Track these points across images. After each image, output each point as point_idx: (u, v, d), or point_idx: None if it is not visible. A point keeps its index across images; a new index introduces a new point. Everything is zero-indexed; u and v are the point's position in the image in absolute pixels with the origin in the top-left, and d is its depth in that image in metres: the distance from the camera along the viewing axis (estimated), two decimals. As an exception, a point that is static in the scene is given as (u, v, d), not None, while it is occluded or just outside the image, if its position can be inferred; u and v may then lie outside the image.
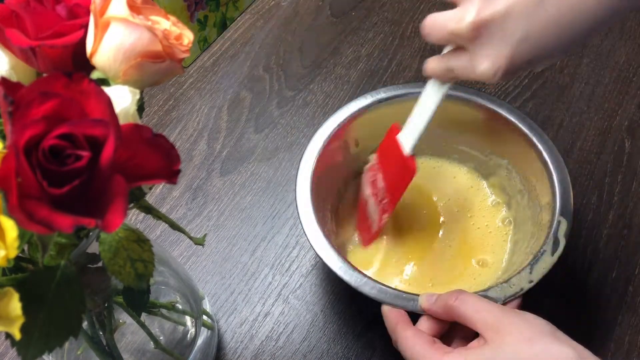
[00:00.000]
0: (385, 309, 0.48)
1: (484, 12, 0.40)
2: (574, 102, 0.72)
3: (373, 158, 0.58)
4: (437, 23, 0.44)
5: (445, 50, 0.47)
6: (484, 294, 0.47)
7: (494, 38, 0.41)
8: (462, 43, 0.43)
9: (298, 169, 0.55)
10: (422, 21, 0.45)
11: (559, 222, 0.51)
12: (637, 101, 0.72)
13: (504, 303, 0.47)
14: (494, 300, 0.47)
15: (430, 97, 0.50)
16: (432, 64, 0.48)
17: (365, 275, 0.49)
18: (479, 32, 0.41)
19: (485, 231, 0.59)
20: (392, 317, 0.47)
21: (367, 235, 0.58)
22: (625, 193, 0.65)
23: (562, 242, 0.50)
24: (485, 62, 0.42)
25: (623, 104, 0.71)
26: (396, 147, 0.53)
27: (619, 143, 0.68)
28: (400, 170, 0.53)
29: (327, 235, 0.52)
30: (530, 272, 0.49)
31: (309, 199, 0.53)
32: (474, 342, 0.43)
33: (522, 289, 0.48)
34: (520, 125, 0.56)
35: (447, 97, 0.58)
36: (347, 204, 0.61)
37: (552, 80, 0.74)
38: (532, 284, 0.48)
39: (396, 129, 0.54)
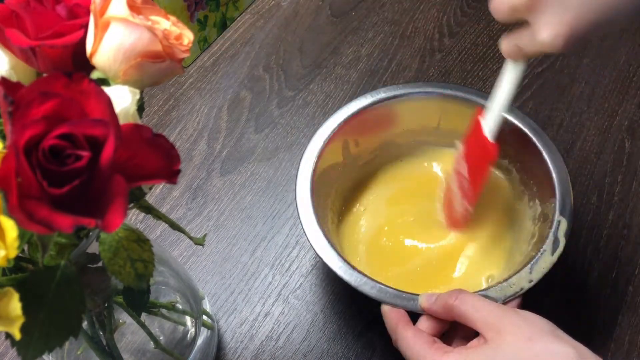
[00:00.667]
0: (385, 308, 0.48)
1: None
2: (574, 102, 0.72)
3: (459, 145, 0.57)
4: (498, 2, 0.45)
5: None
6: (484, 294, 0.47)
7: (551, 5, 0.41)
8: (523, 16, 0.44)
9: (298, 168, 0.55)
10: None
11: (559, 222, 0.51)
12: (637, 101, 0.72)
13: (504, 303, 0.47)
14: (494, 299, 0.47)
15: (506, 78, 0.50)
16: (503, 45, 0.48)
17: (365, 275, 0.49)
18: (536, 1, 0.41)
19: (485, 230, 0.59)
20: (392, 316, 0.47)
21: (451, 220, 0.59)
22: (625, 193, 0.65)
23: (562, 242, 0.50)
24: (545, 31, 0.42)
25: (623, 104, 0.71)
26: (479, 130, 0.53)
27: (619, 143, 0.68)
28: (481, 154, 0.53)
29: (327, 235, 0.52)
30: (530, 272, 0.49)
31: (309, 199, 0.53)
32: (474, 342, 0.43)
33: (522, 289, 0.48)
34: (520, 125, 0.56)
35: (447, 97, 0.59)
36: (348, 204, 0.61)
37: (552, 80, 0.74)
38: (532, 284, 0.48)
39: (480, 112, 0.53)
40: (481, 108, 0.53)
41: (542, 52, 0.44)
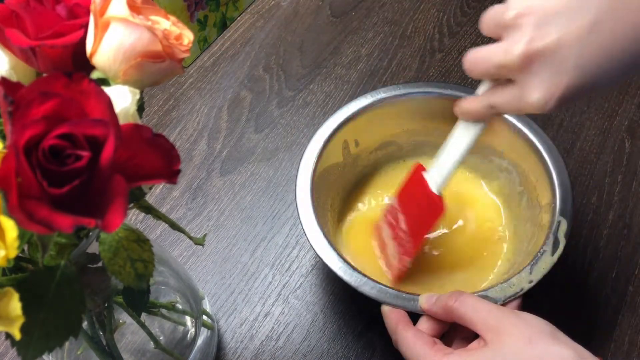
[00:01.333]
0: (385, 309, 0.48)
1: (536, 42, 0.39)
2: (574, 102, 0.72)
3: (392, 200, 0.56)
4: (480, 57, 0.43)
5: (481, 89, 0.46)
6: (483, 294, 0.47)
7: (545, 67, 0.40)
8: (511, 75, 0.42)
9: (298, 169, 0.55)
10: (464, 57, 0.44)
11: (559, 222, 0.51)
12: (637, 101, 0.72)
13: (504, 303, 0.47)
14: (494, 300, 0.47)
15: (462, 137, 0.49)
16: (469, 105, 0.47)
17: (365, 275, 0.49)
18: (531, 62, 0.40)
19: (485, 231, 0.59)
20: (393, 317, 0.47)
21: (393, 273, 0.57)
22: (625, 193, 0.65)
23: (562, 242, 0.50)
24: (537, 92, 0.41)
25: (623, 104, 0.71)
26: (423, 185, 0.52)
27: (619, 143, 0.68)
28: (427, 209, 0.52)
29: (327, 235, 0.52)
30: (530, 272, 0.49)
31: (309, 199, 0.53)
32: (474, 344, 0.43)
33: (522, 289, 0.48)
34: (520, 126, 0.56)
35: (447, 97, 0.59)
36: (348, 204, 0.61)
37: (552, 80, 0.74)
38: (532, 284, 0.48)
39: (421, 168, 0.53)
40: (420, 165, 0.53)
41: (522, 112, 0.43)
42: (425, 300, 0.47)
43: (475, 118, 0.48)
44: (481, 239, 0.59)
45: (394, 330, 0.46)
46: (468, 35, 0.79)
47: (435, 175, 0.51)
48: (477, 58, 0.44)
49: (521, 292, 0.48)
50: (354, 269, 0.49)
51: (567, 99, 0.41)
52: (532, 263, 0.49)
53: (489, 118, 0.47)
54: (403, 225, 0.54)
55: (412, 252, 0.54)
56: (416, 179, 0.53)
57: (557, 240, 0.50)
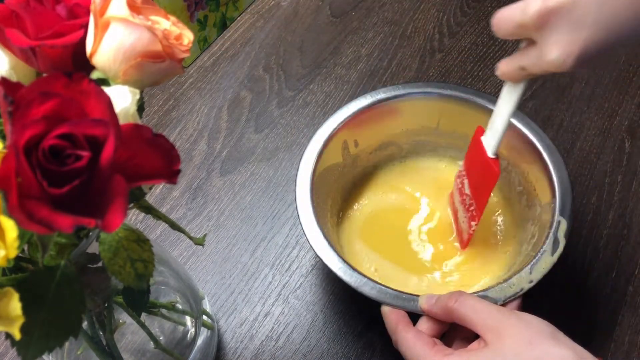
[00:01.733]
0: (385, 309, 0.48)
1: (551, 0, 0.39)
2: (574, 102, 0.72)
3: (460, 165, 0.57)
4: (503, 17, 0.43)
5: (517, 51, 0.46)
6: (483, 295, 0.47)
7: (562, 24, 0.39)
8: (530, 34, 0.42)
9: (298, 169, 0.55)
10: (492, 17, 0.44)
11: (558, 222, 0.51)
12: (637, 101, 0.72)
13: (504, 303, 0.47)
14: (493, 300, 0.47)
15: (506, 99, 0.49)
16: (503, 67, 0.47)
17: (364, 276, 0.49)
18: (547, 19, 0.40)
19: (484, 230, 0.59)
20: (393, 318, 0.47)
21: (461, 239, 0.58)
22: (625, 193, 0.65)
23: (562, 242, 0.50)
24: (555, 50, 0.40)
25: (623, 104, 0.71)
26: (480, 149, 0.53)
27: (619, 143, 0.68)
28: (485, 173, 0.53)
29: (327, 236, 0.51)
30: (530, 272, 0.49)
31: (309, 199, 0.53)
32: (475, 344, 0.43)
33: (522, 289, 0.48)
34: (520, 126, 0.56)
35: (446, 97, 0.59)
36: (348, 204, 0.61)
37: (552, 80, 0.74)
38: (532, 284, 0.48)
39: (481, 130, 0.53)
40: (481, 128, 0.53)
41: (548, 72, 0.43)
42: (425, 300, 0.47)
43: (511, 80, 0.48)
44: (481, 238, 0.59)
45: (394, 330, 0.46)
46: (468, 35, 0.79)
47: (490, 139, 0.52)
48: (500, 19, 0.43)
49: (521, 292, 0.48)
50: (354, 269, 0.49)
51: (586, 57, 0.40)
52: (532, 263, 0.49)
53: (525, 79, 0.47)
54: (467, 189, 0.55)
55: (477, 216, 0.54)
56: (475, 144, 0.54)
57: (557, 240, 0.50)
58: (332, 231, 0.57)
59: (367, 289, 0.48)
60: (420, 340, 0.44)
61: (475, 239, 0.58)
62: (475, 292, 0.48)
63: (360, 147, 0.61)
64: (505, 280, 0.49)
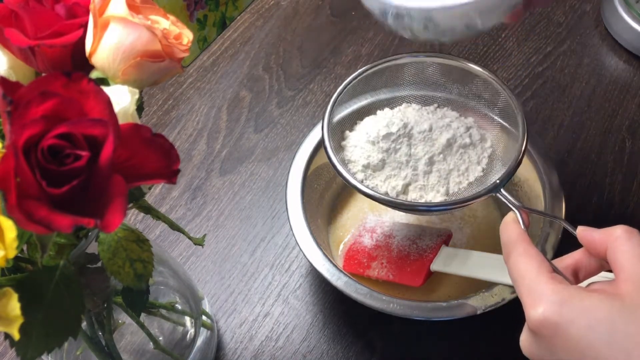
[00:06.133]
0: (508, 218, 0.41)
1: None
2: (574, 102, 0.72)
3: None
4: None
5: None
6: (463, 302, 0.48)
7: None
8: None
9: (290, 167, 0.55)
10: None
11: (547, 234, 0.51)
12: (638, 101, 0.72)
13: (484, 312, 0.47)
14: (474, 308, 0.47)
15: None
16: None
17: (358, 282, 0.50)
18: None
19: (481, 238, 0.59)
20: (515, 228, 0.40)
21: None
22: (625, 193, 0.65)
23: (549, 255, 0.50)
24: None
25: (624, 104, 0.71)
26: (428, 259, 0.55)
27: (619, 143, 0.68)
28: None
29: (319, 242, 0.53)
30: None
31: (299, 204, 0.54)
32: (604, 285, 0.35)
33: (503, 299, 0.48)
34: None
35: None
36: (340, 203, 0.61)
37: (552, 80, 0.74)
38: (515, 295, 0.48)
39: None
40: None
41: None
42: (583, 228, 0.40)
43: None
44: (477, 245, 0.58)
45: (513, 242, 0.38)
46: (468, 35, 0.79)
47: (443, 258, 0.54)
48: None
49: (502, 302, 0.48)
50: (347, 275, 0.50)
51: None
52: None
53: None
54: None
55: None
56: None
57: (545, 252, 0.50)
58: (323, 233, 0.57)
59: (359, 296, 0.49)
60: (536, 261, 0.36)
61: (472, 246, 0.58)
62: (456, 299, 0.49)
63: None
64: (487, 289, 0.49)
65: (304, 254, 0.52)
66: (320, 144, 0.57)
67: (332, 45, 0.78)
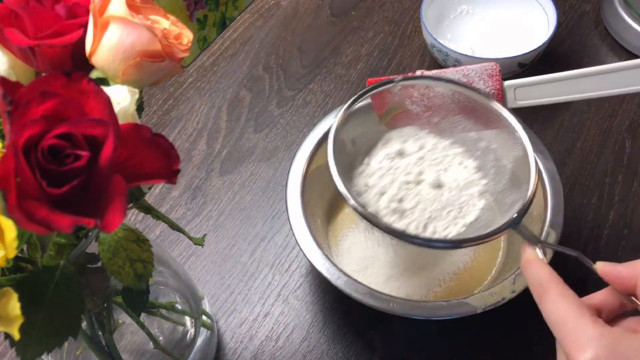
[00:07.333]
0: (530, 256, 0.40)
1: None
2: (574, 101, 0.72)
3: None
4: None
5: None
6: (463, 301, 0.48)
7: None
8: None
9: (290, 166, 0.55)
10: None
11: (547, 234, 0.51)
12: (638, 101, 0.72)
13: (484, 311, 0.47)
14: (473, 307, 0.47)
15: None
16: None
17: (358, 282, 0.50)
18: None
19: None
20: (545, 269, 0.39)
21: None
22: (625, 193, 0.65)
23: (549, 254, 0.50)
24: None
25: (623, 104, 0.71)
26: None
27: (619, 143, 0.68)
28: None
29: (318, 242, 0.52)
30: (514, 282, 0.49)
31: (299, 204, 0.54)
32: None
33: (503, 299, 0.48)
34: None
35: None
36: (340, 204, 0.61)
37: (552, 80, 0.74)
38: (515, 294, 0.48)
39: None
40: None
41: None
42: (604, 264, 0.39)
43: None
44: (476, 246, 0.58)
45: (544, 283, 0.37)
46: (468, 35, 0.79)
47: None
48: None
49: (502, 302, 0.48)
50: (346, 275, 0.50)
51: None
52: (515, 274, 0.49)
53: None
54: None
55: None
56: None
57: (544, 253, 0.50)
58: (322, 231, 0.57)
59: (351, 291, 0.49)
60: (576, 303, 0.35)
61: (470, 249, 0.58)
62: (457, 299, 0.48)
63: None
64: (487, 289, 0.49)
65: (304, 254, 0.52)
66: (320, 143, 0.57)
67: (332, 45, 0.78)
